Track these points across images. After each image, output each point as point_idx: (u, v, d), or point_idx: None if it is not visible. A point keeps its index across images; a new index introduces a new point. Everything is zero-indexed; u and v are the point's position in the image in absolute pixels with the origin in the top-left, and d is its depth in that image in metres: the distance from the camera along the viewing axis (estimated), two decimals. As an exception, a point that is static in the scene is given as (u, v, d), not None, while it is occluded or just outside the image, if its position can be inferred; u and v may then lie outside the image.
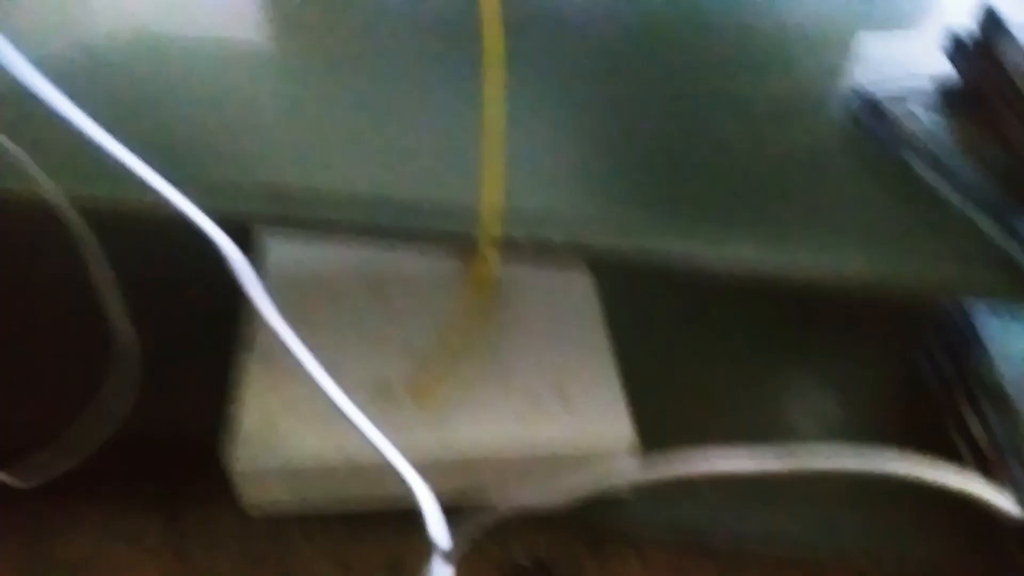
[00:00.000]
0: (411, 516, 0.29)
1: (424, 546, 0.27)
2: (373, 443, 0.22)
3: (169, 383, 0.43)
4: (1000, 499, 0.19)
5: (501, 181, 0.31)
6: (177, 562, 0.49)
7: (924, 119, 0.40)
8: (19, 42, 0.24)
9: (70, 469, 0.44)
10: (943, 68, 0.43)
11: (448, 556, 0.24)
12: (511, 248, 0.35)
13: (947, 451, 0.31)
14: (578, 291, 0.57)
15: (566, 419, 0.48)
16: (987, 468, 0.53)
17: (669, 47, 0.49)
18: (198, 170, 0.34)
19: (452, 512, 0.47)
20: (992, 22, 0.40)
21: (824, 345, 0.64)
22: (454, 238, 0.34)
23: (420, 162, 0.37)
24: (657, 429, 0.48)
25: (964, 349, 0.57)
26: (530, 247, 0.35)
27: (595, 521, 0.52)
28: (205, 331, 0.50)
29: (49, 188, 0.27)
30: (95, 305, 0.35)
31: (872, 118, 0.42)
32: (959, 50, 0.42)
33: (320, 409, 0.46)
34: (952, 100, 0.42)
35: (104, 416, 0.42)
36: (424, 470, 0.46)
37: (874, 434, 0.36)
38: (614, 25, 0.50)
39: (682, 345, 0.63)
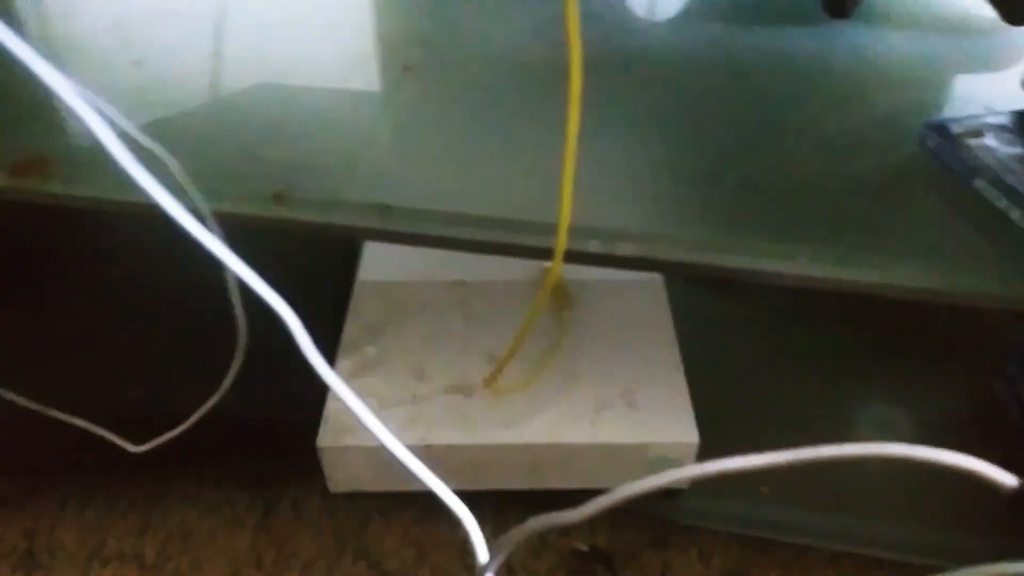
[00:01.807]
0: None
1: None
2: (418, 476, 0.25)
3: (271, 372, 0.47)
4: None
5: (572, 201, 0.34)
6: (263, 533, 0.54)
7: (999, 151, 0.41)
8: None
9: (173, 441, 0.49)
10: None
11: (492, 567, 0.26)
12: (585, 259, 0.38)
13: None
14: (649, 294, 0.60)
15: (632, 421, 0.51)
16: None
17: (746, 82, 0.51)
18: (319, 192, 0.40)
19: (516, 497, 0.50)
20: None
21: (899, 368, 0.64)
22: (535, 251, 0.38)
23: (509, 185, 0.41)
24: (721, 436, 0.49)
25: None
26: (602, 259, 0.38)
27: (655, 511, 0.54)
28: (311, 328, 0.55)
29: (199, 201, 0.31)
30: (220, 298, 0.39)
31: (945, 148, 0.43)
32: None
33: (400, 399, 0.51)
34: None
35: (207, 396, 0.46)
36: (492, 464, 0.50)
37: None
38: (692, 63, 0.52)
39: (753, 351, 0.64)
